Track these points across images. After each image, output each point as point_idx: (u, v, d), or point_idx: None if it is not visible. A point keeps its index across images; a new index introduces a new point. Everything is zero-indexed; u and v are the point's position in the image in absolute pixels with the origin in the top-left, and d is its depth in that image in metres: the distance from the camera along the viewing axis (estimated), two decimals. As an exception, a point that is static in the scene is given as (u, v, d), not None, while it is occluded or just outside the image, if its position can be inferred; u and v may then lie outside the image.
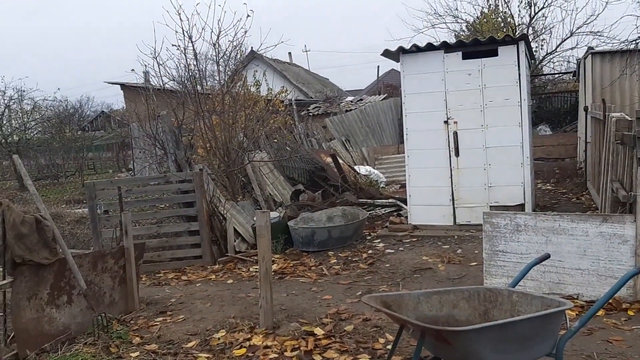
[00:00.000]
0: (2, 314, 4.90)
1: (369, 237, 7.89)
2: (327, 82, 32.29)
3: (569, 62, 19.95)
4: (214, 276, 6.88)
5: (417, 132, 7.88)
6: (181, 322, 5.12)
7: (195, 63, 8.21)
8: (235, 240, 7.81)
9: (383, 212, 9.51)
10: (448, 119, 7.69)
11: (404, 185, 13.50)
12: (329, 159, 11.39)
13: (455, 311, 3.51)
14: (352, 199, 9.45)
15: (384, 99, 19.86)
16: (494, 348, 2.84)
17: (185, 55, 8.33)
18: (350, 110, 17.61)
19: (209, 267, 7.38)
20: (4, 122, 22.56)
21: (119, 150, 26.02)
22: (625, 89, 10.09)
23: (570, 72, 17.98)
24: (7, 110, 22.63)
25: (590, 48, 11.68)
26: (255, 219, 7.99)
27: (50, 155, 23.06)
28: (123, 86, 22.99)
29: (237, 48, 9.18)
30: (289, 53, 34.59)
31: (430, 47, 7.73)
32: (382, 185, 12.91)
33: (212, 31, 9.16)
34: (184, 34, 8.52)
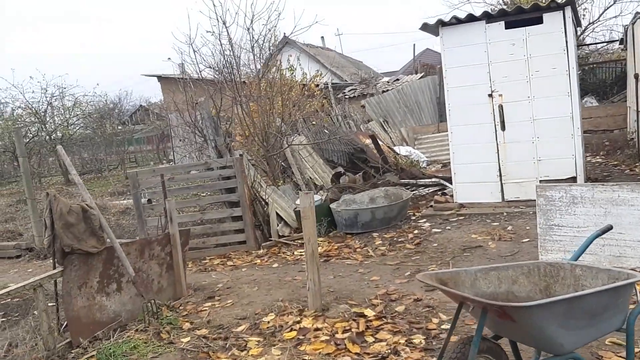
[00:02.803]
0: (54, 303, 4.97)
1: (413, 217, 7.72)
2: (362, 65, 31.94)
3: (612, 31, 19.08)
4: (259, 261, 6.86)
5: (460, 107, 7.63)
6: (230, 307, 5.10)
7: (230, 48, 8.12)
8: (278, 225, 7.76)
9: (426, 191, 9.30)
10: (492, 91, 7.41)
11: (445, 165, 13.28)
12: (368, 140, 11.22)
13: (515, 287, 3.34)
14: (394, 179, 9.28)
15: (421, 77, 19.47)
16: (561, 324, 2.67)
17: (220, 41, 8.26)
18: (387, 90, 17.32)
19: (253, 252, 7.37)
20: (47, 119, 23.12)
21: (159, 141, 26.42)
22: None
23: (617, 41, 17.22)
24: (49, 107, 23.17)
25: (638, 13, 11.08)
26: (298, 201, 7.98)
27: (93, 150, 23.56)
28: (160, 78, 23.26)
29: (272, 31, 9.07)
30: (322, 37, 34.33)
31: (471, 18, 7.44)
32: (423, 165, 12.68)
33: (245, 15, 9.07)
34: (217, 19, 8.46)
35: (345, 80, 24.50)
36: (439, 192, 8.94)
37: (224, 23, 8.46)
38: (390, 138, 14.14)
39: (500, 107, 7.39)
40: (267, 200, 7.85)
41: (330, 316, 4.54)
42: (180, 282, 5.70)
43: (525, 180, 7.43)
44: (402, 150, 13.30)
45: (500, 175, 7.56)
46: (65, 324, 4.86)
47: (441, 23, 7.56)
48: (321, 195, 8.10)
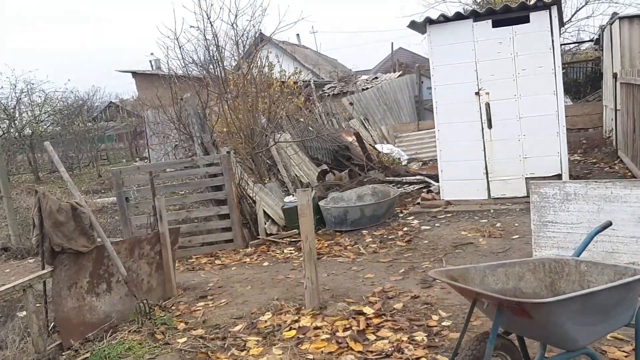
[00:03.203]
0: (40, 304, 4.82)
1: (401, 215, 7.73)
2: (337, 63, 31.92)
3: (581, 31, 19.42)
4: (248, 259, 6.78)
5: (447, 105, 7.67)
6: (224, 306, 5.02)
7: (215, 44, 7.99)
8: (265, 223, 7.69)
9: (411, 189, 9.33)
10: (479, 90, 7.47)
11: (426, 162, 13.38)
12: (351, 138, 11.21)
13: (522, 284, 3.35)
14: (380, 177, 9.29)
15: (400, 76, 19.55)
16: (577, 320, 2.68)
17: (205, 36, 8.13)
18: (367, 89, 17.35)
19: (241, 250, 7.28)
20: (17, 115, 22.52)
21: (132, 139, 25.98)
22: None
23: (590, 41, 17.56)
24: (18, 103, 22.58)
25: (615, 14, 11.32)
26: (287, 199, 7.91)
27: (64, 147, 23.04)
28: (135, 74, 22.92)
29: (256, 27, 8.98)
30: (297, 35, 34.16)
31: (458, 17, 7.49)
32: (404, 163, 12.74)
33: (229, 11, 8.96)
34: (202, 15, 8.33)
35: (322, 78, 24.45)
36: (424, 190, 8.97)
37: (209, 18, 8.34)
38: (371, 136, 14.16)
39: (487, 105, 7.45)
40: (254, 198, 7.77)
41: (328, 314, 4.50)
42: (170, 282, 5.60)
43: (511, 178, 7.51)
44: (384, 148, 13.34)
45: (487, 173, 7.62)
46: (53, 325, 4.73)
47: (429, 21, 7.58)
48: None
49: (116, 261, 4.81)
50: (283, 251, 6.88)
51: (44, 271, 4.51)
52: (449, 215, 7.36)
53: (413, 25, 7.66)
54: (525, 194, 7.51)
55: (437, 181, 9.29)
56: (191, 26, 8.35)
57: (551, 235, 4.99)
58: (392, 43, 26.75)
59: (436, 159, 13.36)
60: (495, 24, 7.31)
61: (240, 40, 8.98)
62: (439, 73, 7.66)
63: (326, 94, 17.76)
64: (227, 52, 9.31)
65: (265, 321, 4.53)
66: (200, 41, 8.50)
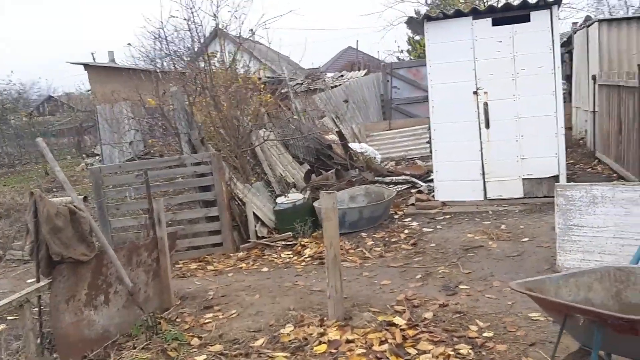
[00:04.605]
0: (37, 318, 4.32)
1: (396, 216, 7.50)
2: (291, 61, 31.52)
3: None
4: (243, 264, 6.38)
5: (444, 104, 7.50)
6: (236, 318, 4.63)
7: (203, 36, 7.53)
8: (255, 225, 7.30)
9: (397, 189, 9.11)
10: (477, 89, 7.33)
11: (398, 162, 13.25)
12: (332, 136, 10.92)
13: (591, 294, 3.16)
14: (369, 177, 9.04)
15: (365, 74, 19.40)
16: (682, 336, 2.50)
17: (189, 27, 7.65)
18: (336, 86, 17.10)
19: (232, 254, 6.87)
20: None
21: (78, 135, 24.70)
22: (632, 57, 9.93)
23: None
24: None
25: (588, 17, 11.51)
26: (279, 200, 7.50)
27: (4, 143, 21.73)
28: (87, 66, 21.79)
29: (239, 19, 8.55)
30: (251, 30, 33.53)
31: (457, 14, 7.32)
32: (378, 162, 12.54)
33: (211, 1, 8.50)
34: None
35: (279, 75, 24.03)
36: (412, 190, 8.79)
37: (191, 9, 7.86)
38: (343, 134, 13.89)
39: (485, 104, 7.33)
40: (243, 199, 7.36)
41: (356, 326, 4.21)
42: (169, 291, 5.17)
43: (508, 179, 7.42)
44: (357, 146, 13.09)
45: (483, 174, 7.50)
46: (49, 341, 4.23)
47: (427, 18, 7.39)
48: (304, 193, 7.69)
49: (120, 271, 4.35)
50: (280, 255, 6.52)
51: (42, 283, 4.03)
52: (448, 216, 7.19)
53: (410, 21, 7.47)
54: (522, 195, 7.45)
55: (423, 181, 9.18)
56: (171, 16, 7.82)
57: (576, 239, 4.86)
58: (357, 41, 26.63)
59: (409, 159, 13.53)
60: (495, 23, 7.19)
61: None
62: (436, 71, 7.48)
63: (293, 91, 17.38)
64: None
65: (288, 334, 4.19)
66: (181, 32, 7.99)
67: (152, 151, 12.01)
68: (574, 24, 15.82)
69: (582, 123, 11.80)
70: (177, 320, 4.72)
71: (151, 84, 8.67)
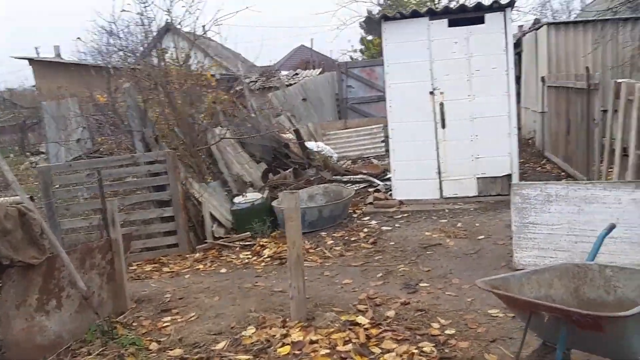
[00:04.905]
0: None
1: (355, 215, 7.52)
2: (242, 58, 31.25)
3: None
4: (201, 266, 6.26)
5: (401, 104, 7.57)
6: (196, 321, 4.52)
7: (157, 30, 7.33)
8: (212, 226, 7.17)
9: (355, 188, 9.15)
10: (434, 89, 7.43)
11: (355, 161, 13.32)
12: (288, 135, 10.86)
13: (552, 291, 3.24)
14: (327, 175, 9.03)
15: (320, 73, 19.41)
16: (638, 330, 2.58)
17: (142, 22, 7.44)
18: (291, 85, 17.04)
19: (188, 256, 6.72)
20: None
21: (23, 132, 23.69)
22: (579, 59, 10.31)
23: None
24: None
25: (537, 20, 11.87)
26: (237, 200, 7.38)
27: None
28: (32, 61, 20.96)
29: (194, 15, 8.39)
30: (203, 26, 33.02)
31: (414, 14, 7.40)
32: (335, 161, 12.56)
33: (165, -4, 8.29)
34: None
35: (232, 72, 23.78)
36: (370, 189, 8.84)
37: (144, 3, 7.65)
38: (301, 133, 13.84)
39: (441, 104, 7.43)
40: (199, 199, 7.22)
41: (319, 326, 4.17)
42: (124, 295, 5.00)
43: (463, 178, 7.56)
44: (313, 145, 13.08)
45: (440, 173, 7.61)
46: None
47: (384, 18, 7.43)
48: (263, 192, 7.60)
49: (74, 275, 4.17)
50: (239, 256, 6.43)
51: (-10, 289, 3.80)
52: (406, 215, 7.26)
53: (368, 22, 7.51)
54: (476, 194, 7.60)
55: (380, 180, 9.25)
56: (123, 9, 7.58)
57: (532, 236, 4.98)
58: (312, 39, 26.62)
59: (365, 157, 13.61)
60: (451, 24, 7.30)
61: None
62: (394, 71, 7.53)
63: (248, 89, 17.21)
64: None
65: (250, 336, 4.11)
66: (132, 27, 7.77)
67: (101, 149, 11.67)
68: (520, 27, 16.31)
69: (531, 123, 12.16)
70: (134, 324, 4.57)
71: (101, 79, 8.41)
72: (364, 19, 7.43)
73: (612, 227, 3.78)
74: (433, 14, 7.37)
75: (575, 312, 2.47)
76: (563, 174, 8.79)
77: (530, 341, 3.37)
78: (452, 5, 12.04)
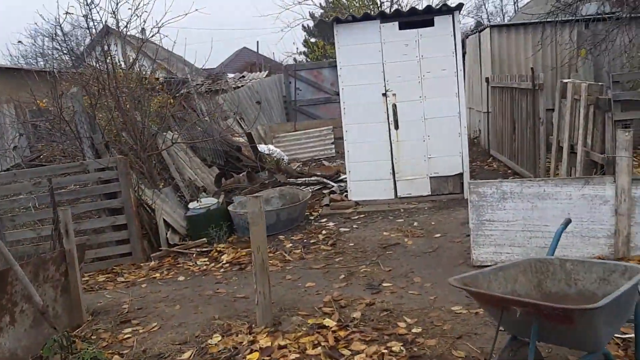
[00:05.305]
0: None
1: (312, 217, 7.52)
2: (185, 61, 30.71)
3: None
4: (157, 274, 6.09)
5: (355, 105, 7.63)
6: (158, 331, 4.41)
7: (105, 32, 7.09)
8: (166, 233, 7.01)
9: (309, 190, 9.16)
10: (387, 91, 7.53)
11: (305, 163, 13.34)
12: (239, 138, 10.75)
13: (517, 286, 3.33)
14: (282, 178, 8.98)
15: (267, 75, 19.31)
16: (607, 321, 2.70)
17: (88, 24, 7.18)
18: (240, 87, 16.88)
19: (143, 264, 6.53)
20: None
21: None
22: (521, 60, 10.70)
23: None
24: None
25: (479, 23, 12.24)
26: (191, 205, 7.23)
27: None
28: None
29: (140, 18, 8.18)
30: (143, 29, 32.26)
31: (366, 17, 7.48)
32: (285, 164, 12.54)
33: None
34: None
35: (175, 75, 23.32)
36: (325, 191, 8.87)
37: (89, 5, 7.40)
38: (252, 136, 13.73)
39: (394, 106, 7.54)
40: (152, 206, 7.03)
41: (287, 331, 4.15)
42: (80, 307, 4.82)
43: (416, 177, 7.70)
44: (264, 148, 13.01)
45: (394, 173, 7.72)
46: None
47: (336, 20, 7.47)
48: (217, 197, 7.48)
49: (30, 289, 3.98)
50: (196, 263, 6.30)
51: (-64, 308, 3.57)
52: (362, 216, 7.32)
53: (320, 24, 7.53)
54: (430, 193, 7.76)
55: (334, 181, 9.29)
56: (66, 12, 7.30)
57: (489, 233, 5.13)
58: (258, 41, 26.42)
59: (316, 159, 13.66)
60: (402, 26, 7.41)
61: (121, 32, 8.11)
62: (347, 73, 7.59)
63: (196, 92, 16.93)
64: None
65: (217, 344, 4.05)
66: (77, 29, 7.48)
67: (40, 157, 11.20)
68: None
69: (475, 123, 12.52)
70: (93, 337, 4.41)
71: (42, 84, 8.06)
72: (316, 22, 7.43)
73: (568, 222, 3.92)
74: (384, 17, 7.47)
75: (548, 306, 2.55)
76: (510, 171, 9.09)
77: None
78: (397, 8, 12.23)
